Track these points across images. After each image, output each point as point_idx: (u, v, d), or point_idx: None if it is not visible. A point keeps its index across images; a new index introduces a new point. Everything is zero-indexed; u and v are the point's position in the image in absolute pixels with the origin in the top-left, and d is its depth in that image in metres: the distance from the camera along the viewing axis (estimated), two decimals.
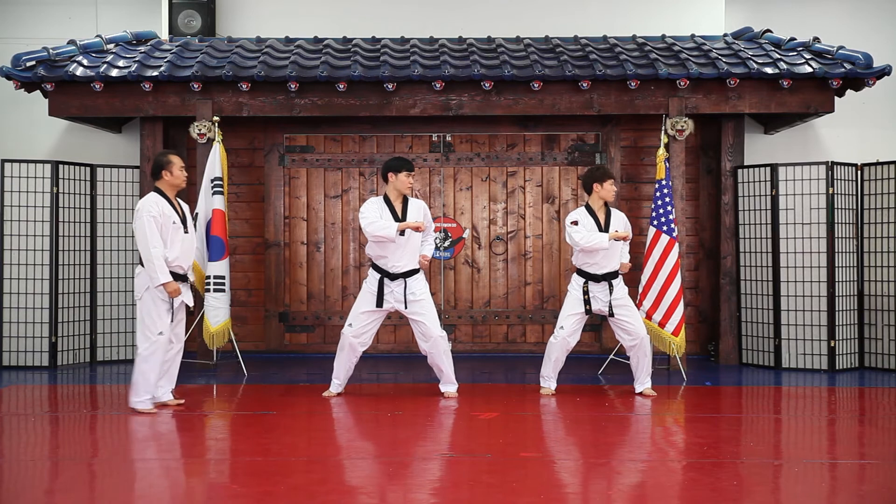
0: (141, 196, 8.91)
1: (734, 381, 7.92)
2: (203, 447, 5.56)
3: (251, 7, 9.70)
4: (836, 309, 8.21)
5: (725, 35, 9.28)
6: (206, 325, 8.06)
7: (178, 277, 6.40)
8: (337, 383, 7.01)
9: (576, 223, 6.83)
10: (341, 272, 9.35)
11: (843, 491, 4.57)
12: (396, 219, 6.72)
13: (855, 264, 8.47)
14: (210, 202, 8.14)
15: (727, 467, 4.92)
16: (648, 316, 7.76)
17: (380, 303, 6.78)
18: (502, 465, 4.94)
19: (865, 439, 5.75)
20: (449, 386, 7.00)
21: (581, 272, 6.94)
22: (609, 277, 6.88)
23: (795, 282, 8.30)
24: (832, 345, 8.18)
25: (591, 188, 6.92)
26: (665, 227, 7.79)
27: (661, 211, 7.82)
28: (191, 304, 6.52)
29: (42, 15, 9.71)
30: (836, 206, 8.23)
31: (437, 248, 9.32)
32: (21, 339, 8.45)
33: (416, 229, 6.68)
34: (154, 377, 6.33)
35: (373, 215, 6.70)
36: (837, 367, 8.19)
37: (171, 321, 6.35)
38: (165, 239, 6.31)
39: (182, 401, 6.61)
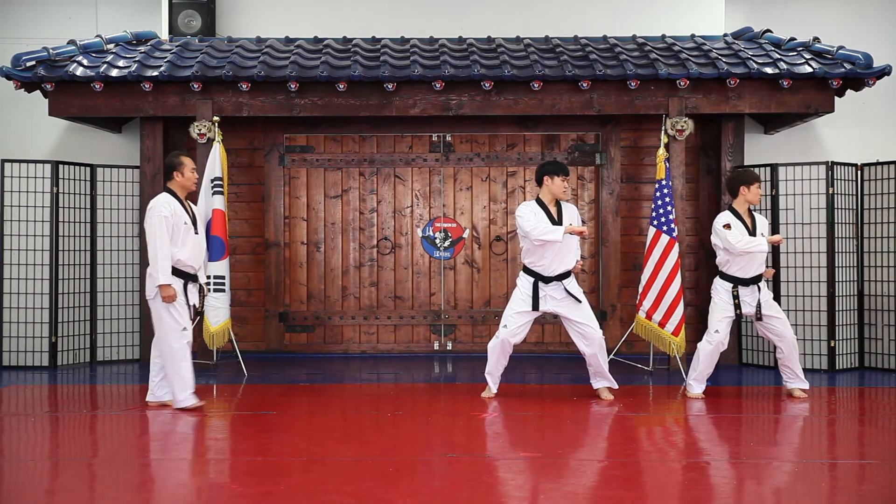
0: (141, 196, 8.94)
1: (734, 381, 7.92)
2: (203, 447, 5.55)
3: (251, 7, 9.70)
4: (836, 309, 8.21)
5: (725, 35, 9.28)
6: (206, 325, 8.06)
7: (189, 277, 6.43)
8: (494, 383, 6.95)
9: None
10: (341, 272, 9.35)
11: (843, 491, 4.57)
12: (553, 222, 6.70)
13: (855, 264, 8.47)
14: (210, 202, 8.14)
15: (727, 467, 4.92)
16: (648, 316, 7.76)
17: (536, 306, 6.73)
18: (502, 465, 4.94)
19: (865, 439, 5.75)
20: (604, 382, 6.90)
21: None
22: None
23: (795, 282, 8.30)
24: (832, 345, 8.18)
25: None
26: (665, 227, 7.79)
27: (661, 211, 7.82)
28: (199, 305, 6.55)
29: (42, 15, 9.71)
30: (836, 206, 8.23)
31: (436, 248, 9.34)
32: (21, 339, 8.45)
33: (580, 234, 6.65)
34: (189, 371, 6.37)
35: (533, 219, 6.66)
36: (837, 367, 8.19)
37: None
38: (177, 239, 6.35)
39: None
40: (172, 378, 6.37)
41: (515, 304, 6.80)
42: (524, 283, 6.79)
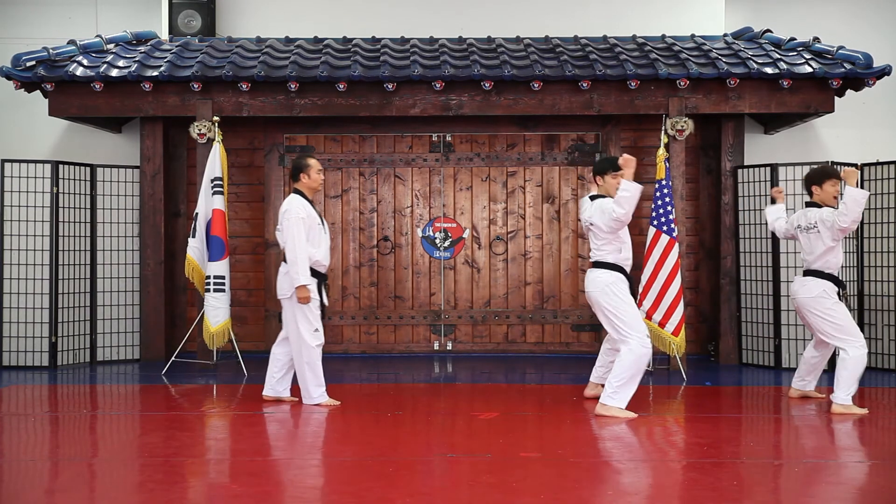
0: (141, 196, 8.95)
1: (734, 381, 7.92)
2: (203, 447, 5.55)
3: (251, 7, 9.70)
4: None
5: (725, 35, 9.28)
6: (206, 325, 8.06)
7: (321, 276, 6.52)
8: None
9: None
10: (341, 272, 9.35)
11: (844, 491, 4.57)
12: None
13: (855, 264, 8.47)
14: (210, 202, 8.14)
15: (727, 467, 4.92)
16: (648, 316, 7.76)
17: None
18: (502, 465, 4.94)
19: (865, 439, 5.74)
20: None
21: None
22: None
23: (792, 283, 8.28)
24: None
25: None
26: (665, 227, 7.79)
27: (661, 211, 7.82)
28: (326, 303, 6.62)
29: (42, 15, 9.71)
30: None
31: (436, 248, 9.34)
32: (21, 339, 8.45)
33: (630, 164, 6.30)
34: (321, 370, 6.48)
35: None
36: None
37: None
38: (313, 240, 6.44)
39: (296, 398, 6.68)
40: (306, 376, 6.47)
41: (629, 305, 6.29)
42: (618, 281, 6.30)
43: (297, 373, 6.59)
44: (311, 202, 6.60)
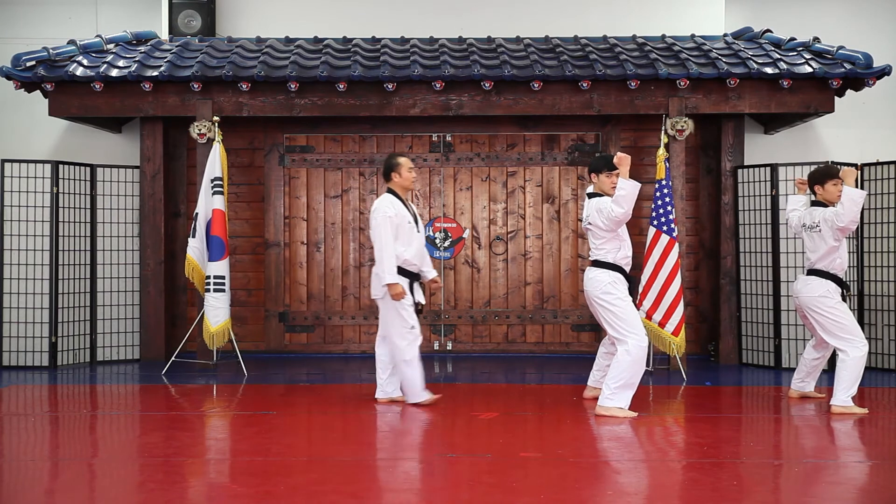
0: (141, 196, 8.95)
1: (734, 381, 7.92)
2: (203, 447, 5.55)
3: (251, 7, 9.70)
4: None
5: (725, 35, 9.28)
6: (206, 325, 8.06)
7: (414, 276, 6.50)
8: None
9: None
10: (341, 272, 9.35)
11: (844, 491, 4.57)
12: None
13: (855, 264, 8.47)
14: (210, 202, 8.14)
15: (727, 467, 4.92)
16: (648, 316, 7.76)
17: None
18: (502, 465, 4.94)
19: (865, 439, 5.75)
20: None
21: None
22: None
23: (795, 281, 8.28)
24: None
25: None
26: (665, 227, 7.79)
27: (661, 211, 7.82)
28: (423, 301, 6.61)
29: (42, 15, 9.71)
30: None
31: (436, 248, 9.34)
32: (21, 339, 8.45)
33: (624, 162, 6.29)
34: (420, 370, 6.48)
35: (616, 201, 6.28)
36: None
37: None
38: (402, 238, 6.43)
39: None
40: (405, 375, 6.47)
41: (627, 305, 6.24)
42: (616, 281, 6.28)
43: (398, 372, 6.56)
44: (403, 201, 6.56)
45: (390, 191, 6.59)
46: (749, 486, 4.56)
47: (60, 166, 8.55)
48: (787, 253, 8.35)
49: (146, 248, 8.96)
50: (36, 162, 8.52)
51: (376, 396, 6.71)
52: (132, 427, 6.00)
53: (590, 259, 6.45)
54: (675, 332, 7.71)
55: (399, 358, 6.46)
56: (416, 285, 6.55)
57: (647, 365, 8.28)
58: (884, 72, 8.16)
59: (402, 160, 6.61)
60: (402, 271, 6.42)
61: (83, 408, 6.75)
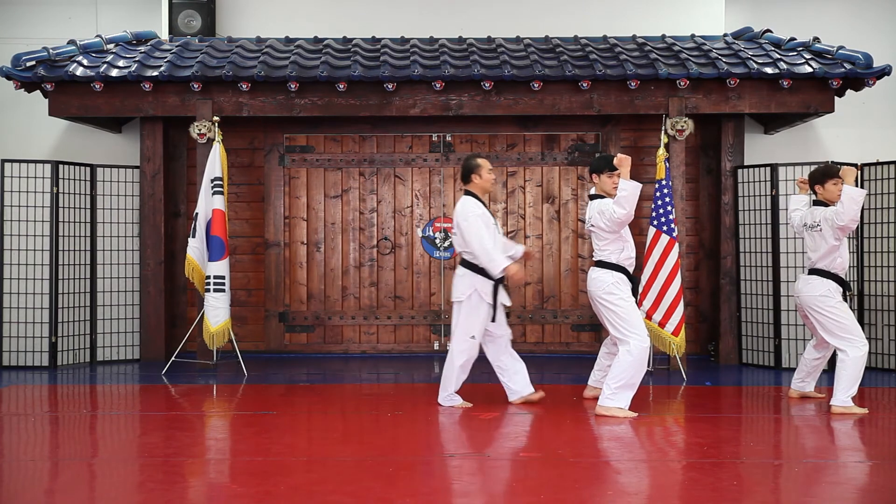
0: (141, 196, 8.95)
1: (734, 381, 7.92)
2: (203, 447, 5.55)
3: (251, 7, 9.70)
4: None
5: (725, 35, 9.28)
6: (206, 325, 8.06)
7: (497, 280, 6.43)
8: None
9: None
10: (341, 272, 9.35)
11: (844, 491, 4.57)
12: None
13: (855, 264, 8.47)
14: (210, 202, 8.14)
15: (727, 467, 4.91)
16: (648, 316, 7.76)
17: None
18: (502, 465, 4.94)
19: (865, 439, 5.74)
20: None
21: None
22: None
23: (795, 281, 8.28)
24: None
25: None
26: (665, 227, 7.79)
27: (661, 211, 7.82)
28: (508, 303, 6.59)
29: (42, 15, 9.71)
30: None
31: (436, 248, 9.34)
32: (21, 339, 8.45)
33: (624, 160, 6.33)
34: (463, 376, 6.49)
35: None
36: None
37: (493, 321, 6.43)
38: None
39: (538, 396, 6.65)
40: (447, 373, 6.49)
41: (630, 305, 6.26)
42: (619, 281, 6.28)
43: (444, 368, 6.54)
44: (483, 203, 6.51)
45: (469, 193, 6.51)
46: (749, 486, 4.56)
47: (60, 166, 8.55)
48: (787, 253, 8.35)
49: (146, 248, 8.97)
50: (36, 162, 8.52)
51: (510, 399, 6.65)
52: (132, 427, 6.00)
53: (593, 259, 6.46)
54: (675, 332, 7.71)
55: (452, 358, 6.46)
56: (500, 288, 6.46)
57: (648, 365, 8.28)
58: (884, 72, 8.16)
59: (482, 161, 6.53)
60: (485, 274, 6.35)
61: (83, 408, 6.75)
